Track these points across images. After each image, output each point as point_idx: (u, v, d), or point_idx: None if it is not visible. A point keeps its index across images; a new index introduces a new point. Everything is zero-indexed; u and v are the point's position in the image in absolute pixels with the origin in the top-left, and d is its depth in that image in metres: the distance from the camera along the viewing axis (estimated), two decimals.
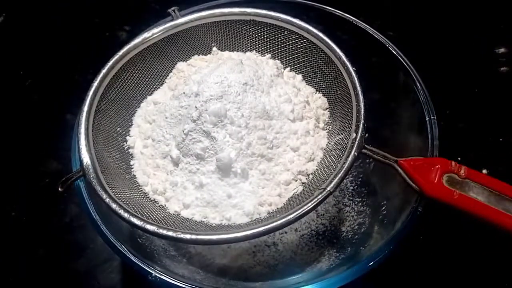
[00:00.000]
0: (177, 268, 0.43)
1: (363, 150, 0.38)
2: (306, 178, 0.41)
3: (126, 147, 0.43)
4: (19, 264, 0.50)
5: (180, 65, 0.47)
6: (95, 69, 0.43)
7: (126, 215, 0.36)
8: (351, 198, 0.50)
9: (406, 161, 0.37)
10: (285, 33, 0.46)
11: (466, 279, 0.48)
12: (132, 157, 0.43)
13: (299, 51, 0.46)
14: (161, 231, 0.35)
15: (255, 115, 0.41)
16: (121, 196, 0.38)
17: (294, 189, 0.40)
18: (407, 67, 0.45)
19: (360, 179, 0.51)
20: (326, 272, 0.43)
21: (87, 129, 0.40)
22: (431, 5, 0.69)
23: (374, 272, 0.37)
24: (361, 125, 0.38)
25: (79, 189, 0.39)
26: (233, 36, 0.48)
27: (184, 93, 0.42)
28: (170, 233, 0.35)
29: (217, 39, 0.48)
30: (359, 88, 0.40)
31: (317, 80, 0.46)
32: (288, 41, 0.46)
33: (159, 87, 0.47)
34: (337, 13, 0.49)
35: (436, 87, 0.46)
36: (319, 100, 0.45)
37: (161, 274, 0.36)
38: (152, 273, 0.36)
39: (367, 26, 0.48)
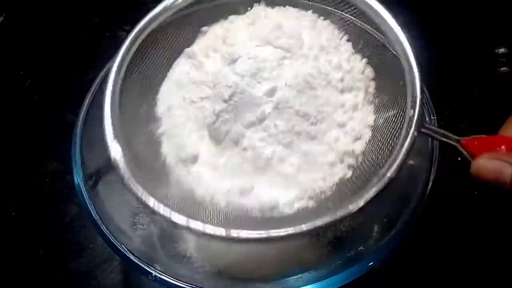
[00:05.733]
0: (177, 268, 0.43)
1: (422, 129, 0.34)
2: (355, 161, 0.37)
3: (155, 129, 0.40)
4: (19, 264, 0.50)
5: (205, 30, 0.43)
6: (95, 69, 0.43)
7: (166, 212, 0.33)
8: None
9: (470, 141, 0.33)
10: None
11: (466, 279, 0.48)
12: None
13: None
14: (208, 229, 0.32)
15: (295, 91, 0.37)
16: (155, 192, 0.35)
17: (342, 173, 0.37)
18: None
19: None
20: (326, 272, 0.43)
21: (112, 115, 0.36)
22: (430, 5, 0.68)
23: (374, 272, 0.37)
24: (418, 100, 0.34)
25: (79, 189, 0.39)
26: None
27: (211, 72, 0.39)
28: (219, 232, 0.32)
29: None
30: (413, 58, 0.36)
31: (360, 46, 0.42)
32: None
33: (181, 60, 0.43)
34: (337, 13, 0.49)
35: (436, 87, 0.46)
36: (367, 70, 0.41)
37: (161, 274, 0.36)
38: (152, 273, 0.36)
39: (367, 26, 0.48)
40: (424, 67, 0.46)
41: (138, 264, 0.36)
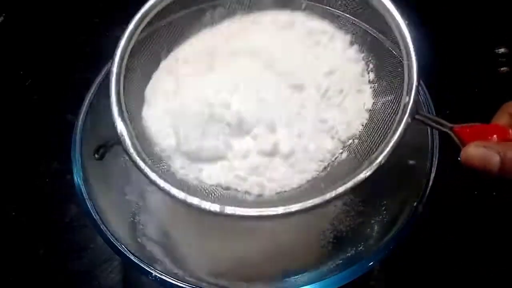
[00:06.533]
0: (177, 268, 0.43)
1: (416, 116, 0.34)
2: (351, 142, 0.37)
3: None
4: (19, 264, 0.50)
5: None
6: (95, 69, 0.43)
7: (166, 186, 0.33)
8: (351, 197, 0.50)
9: (462, 128, 0.34)
10: None
11: (466, 279, 0.48)
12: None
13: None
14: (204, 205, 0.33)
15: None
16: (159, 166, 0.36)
17: (335, 155, 0.37)
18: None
19: None
20: (326, 272, 0.43)
21: (118, 92, 0.37)
22: (430, 5, 0.68)
23: (374, 272, 0.37)
24: (414, 87, 0.35)
25: (79, 189, 0.39)
26: None
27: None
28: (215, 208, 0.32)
29: None
30: (411, 44, 0.37)
31: (360, 34, 0.42)
32: None
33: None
34: (337, 13, 0.49)
35: (436, 87, 0.46)
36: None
37: (161, 274, 0.36)
38: (152, 273, 0.36)
39: (367, 26, 0.48)
40: (424, 67, 0.46)
41: (138, 264, 0.36)
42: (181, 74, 0.41)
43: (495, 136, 0.33)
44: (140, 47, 0.40)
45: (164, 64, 0.42)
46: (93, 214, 0.38)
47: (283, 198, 0.36)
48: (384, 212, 0.45)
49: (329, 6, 0.43)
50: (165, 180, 0.34)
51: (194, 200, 0.33)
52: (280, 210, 0.32)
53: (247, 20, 0.43)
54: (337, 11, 0.42)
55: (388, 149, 0.33)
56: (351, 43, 0.42)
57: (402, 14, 0.38)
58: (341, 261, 0.44)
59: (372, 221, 0.46)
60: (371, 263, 0.37)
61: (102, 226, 0.38)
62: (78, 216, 0.52)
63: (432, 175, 0.39)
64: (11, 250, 0.51)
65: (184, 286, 0.36)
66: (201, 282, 0.41)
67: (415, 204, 0.38)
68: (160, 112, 0.40)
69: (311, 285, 0.37)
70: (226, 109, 0.38)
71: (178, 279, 0.36)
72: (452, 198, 0.50)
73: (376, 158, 0.33)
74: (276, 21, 0.42)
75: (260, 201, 0.37)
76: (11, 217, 0.53)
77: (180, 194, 0.33)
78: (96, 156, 0.36)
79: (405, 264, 0.47)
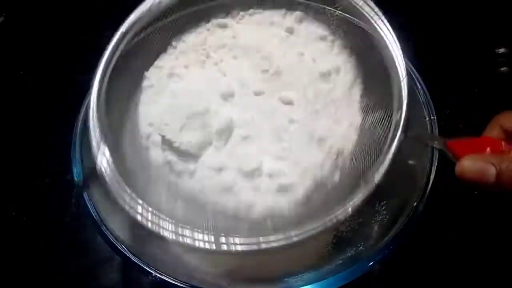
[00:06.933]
0: (177, 268, 0.43)
1: (408, 134, 0.34)
2: (342, 162, 0.37)
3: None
4: (19, 264, 0.50)
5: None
6: (96, 69, 0.42)
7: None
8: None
9: (455, 143, 0.35)
10: None
11: (466, 279, 0.48)
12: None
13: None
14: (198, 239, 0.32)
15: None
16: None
17: (330, 175, 0.36)
18: (407, 67, 0.45)
19: None
20: (326, 272, 0.43)
21: (98, 122, 0.36)
22: (430, 5, 0.68)
23: (374, 272, 0.37)
24: (404, 104, 0.34)
25: (79, 189, 0.39)
26: None
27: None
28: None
29: None
30: (400, 58, 0.36)
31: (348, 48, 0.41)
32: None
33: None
34: (336, 12, 0.49)
35: (436, 87, 0.46)
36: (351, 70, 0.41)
37: (161, 274, 0.36)
38: (152, 273, 0.36)
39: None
40: (424, 68, 0.46)
41: (138, 264, 0.36)
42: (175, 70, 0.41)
43: (488, 149, 0.34)
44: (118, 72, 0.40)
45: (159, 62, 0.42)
46: (93, 214, 0.38)
47: (277, 223, 0.35)
48: (384, 212, 0.45)
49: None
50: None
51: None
52: (280, 238, 0.31)
53: (242, 20, 0.43)
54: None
55: (383, 168, 0.33)
56: (344, 54, 0.41)
57: (398, 30, 0.37)
58: (341, 261, 0.44)
59: (372, 221, 0.46)
60: (371, 263, 0.37)
61: (102, 226, 0.38)
62: (78, 216, 0.52)
63: (432, 175, 0.39)
64: (11, 250, 0.51)
65: (184, 286, 0.36)
66: (201, 282, 0.41)
67: (415, 204, 0.38)
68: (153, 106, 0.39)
69: (311, 285, 0.37)
70: (213, 115, 0.37)
71: (178, 279, 0.36)
72: (452, 198, 0.50)
73: (372, 178, 0.33)
74: (273, 23, 0.42)
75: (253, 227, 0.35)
76: (11, 217, 0.53)
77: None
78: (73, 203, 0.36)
79: (405, 264, 0.47)
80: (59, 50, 0.66)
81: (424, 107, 0.43)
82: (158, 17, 0.42)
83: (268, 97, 0.39)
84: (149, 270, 0.36)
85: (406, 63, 0.42)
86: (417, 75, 0.44)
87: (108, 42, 0.41)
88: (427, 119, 0.42)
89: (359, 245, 0.44)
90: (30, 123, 0.60)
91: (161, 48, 0.43)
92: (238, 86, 0.39)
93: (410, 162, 0.43)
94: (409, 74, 0.44)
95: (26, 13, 0.70)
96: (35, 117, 0.60)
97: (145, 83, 0.41)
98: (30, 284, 0.49)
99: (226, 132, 0.37)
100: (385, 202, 0.46)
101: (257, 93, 0.38)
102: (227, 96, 0.38)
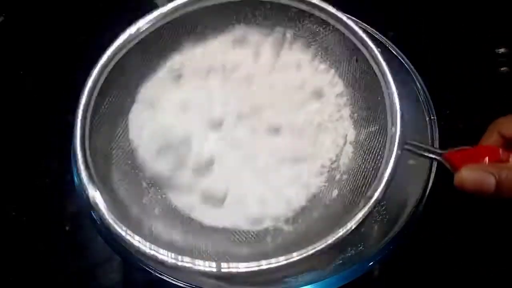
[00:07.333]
0: (177, 268, 0.43)
1: (405, 146, 0.34)
2: (339, 177, 0.37)
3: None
4: (19, 264, 0.50)
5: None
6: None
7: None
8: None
9: (452, 154, 0.34)
10: (291, 13, 0.41)
11: (466, 279, 0.48)
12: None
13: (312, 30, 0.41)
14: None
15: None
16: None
17: (327, 192, 0.37)
18: (407, 67, 0.45)
19: None
20: (326, 272, 0.43)
21: (84, 155, 0.36)
22: (431, 5, 0.68)
23: (374, 272, 0.37)
24: (398, 117, 0.34)
25: (79, 189, 0.39)
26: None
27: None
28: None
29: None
30: (388, 73, 0.35)
31: (334, 63, 0.42)
32: (299, 21, 0.41)
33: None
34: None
35: (436, 87, 0.46)
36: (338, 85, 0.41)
37: (161, 274, 0.36)
38: (152, 273, 0.36)
39: (367, 26, 0.48)
40: (424, 68, 0.46)
41: (138, 264, 0.36)
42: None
43: (486, 158, 0.33)
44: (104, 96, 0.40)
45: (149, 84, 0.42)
46: (93, 214, 0.38)
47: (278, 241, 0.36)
48: (384, 212, 0.45)
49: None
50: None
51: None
52: (281, 260, 0.32)
53: (228, 40, 0.42)
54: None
55: (383, 184, 0.33)
56: (331, 72, 0.41)
57: (374, 42, 0.37)
58: (341, 261, 0.44)
59: (372, 221, 0.46)
60: (371, 263, 0.37)
61: (102, 226, 0.38)
62: (78, 216, 0.52)
63: (432, 175, 0.39)
64: (11, 250, 0.51)
65: (184, 286, 0.36)
66: (201, 282, 0.41)
67: (415, 204, 0.38)
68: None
69: (311, 285, 0.37)
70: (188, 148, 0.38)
71: (178, 279, 0.36)
72: (452, 198, 0.50)
73: (372, 194, 0.32)
74: (257, 43, 0.42)
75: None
76: (11, 217, 0.53)
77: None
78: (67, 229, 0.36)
79: (405, 264, 0.47)
80: (59, 50, 0.66)
81: (424, 107, 0.43)
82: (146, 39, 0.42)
83: (253, 126, 0.38)
84: (149, 270, 0.36)
85: (406, 63, 0.43)
86: (417, 75, 0.44)
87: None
88: (427, 119, 0.42)
89: (359, 245, 0.44)
90: (30, 123, 0.60)
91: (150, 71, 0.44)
92: (224, 113, 0.39)
93: (410, 162, 0.43)
94: (409, 74, 0.45)
95: (26, 13, 0.70)
96: (35, 117, 0.60)
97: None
98: (30, 284, 0.49)
99: (203, 169, 0.38)
100: (385, 202, 0.46)
101: (243, 120, 0.38)
102: (216, 125, 0.39)
